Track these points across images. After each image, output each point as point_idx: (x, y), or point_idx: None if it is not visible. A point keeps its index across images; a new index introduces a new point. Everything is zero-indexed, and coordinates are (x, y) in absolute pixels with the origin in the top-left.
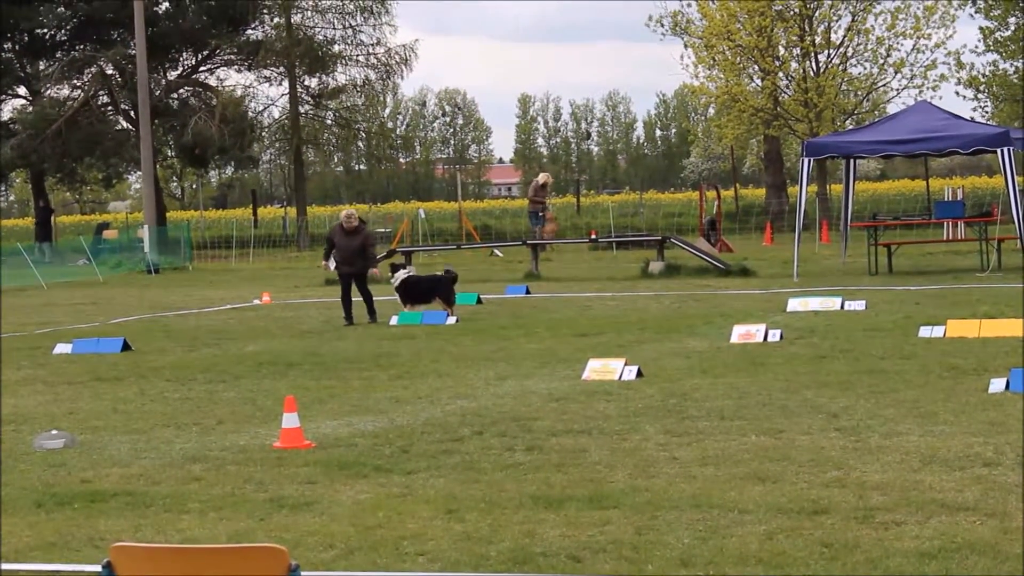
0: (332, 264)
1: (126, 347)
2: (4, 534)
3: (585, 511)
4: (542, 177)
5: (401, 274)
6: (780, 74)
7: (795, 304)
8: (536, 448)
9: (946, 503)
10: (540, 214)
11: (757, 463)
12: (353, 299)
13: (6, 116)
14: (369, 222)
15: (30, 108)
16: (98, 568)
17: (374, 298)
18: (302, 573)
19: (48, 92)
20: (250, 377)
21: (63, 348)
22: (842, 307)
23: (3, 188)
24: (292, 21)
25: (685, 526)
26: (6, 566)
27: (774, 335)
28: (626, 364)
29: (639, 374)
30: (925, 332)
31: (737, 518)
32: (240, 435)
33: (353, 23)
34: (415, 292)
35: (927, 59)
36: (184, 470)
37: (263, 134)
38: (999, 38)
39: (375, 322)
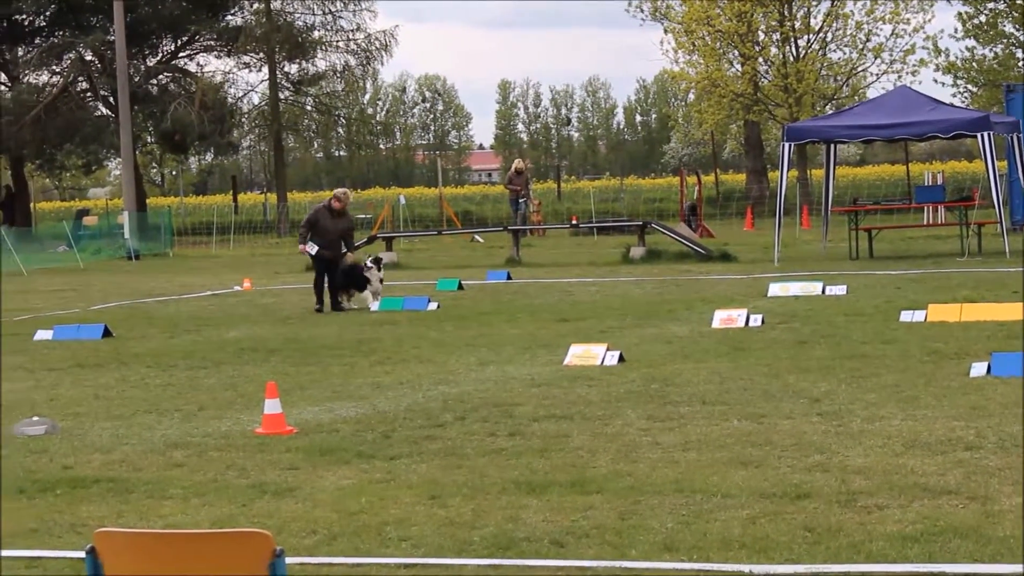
0: (313, 248)
1: (107, 333)
2: None
3: (568, 496)
4: (517, 163)
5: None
6: (760, 59)
7: (776, 289)
8: (518, 433)
9: (928, 487)
10: (521, 200)
11: (739, 448)
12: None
13: None
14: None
15: (8, 94)
16: (81, 554)
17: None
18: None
19: (27, 78)
20: (231, 363)
21: (44, 334)
22: (823, 292)
23: None
24: (272, 7)
25: (668, 511)
26: None
27: (755, 320)
28: (608, 349)
29: (621, 359)
30: (906, 316)
31: (720, 503)
32: (222, 421)
33: (333, 9)
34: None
35: (906, 44)
36: (166, 456)
37: (243, 120)
38: (977, 23)
39: (342, 311)
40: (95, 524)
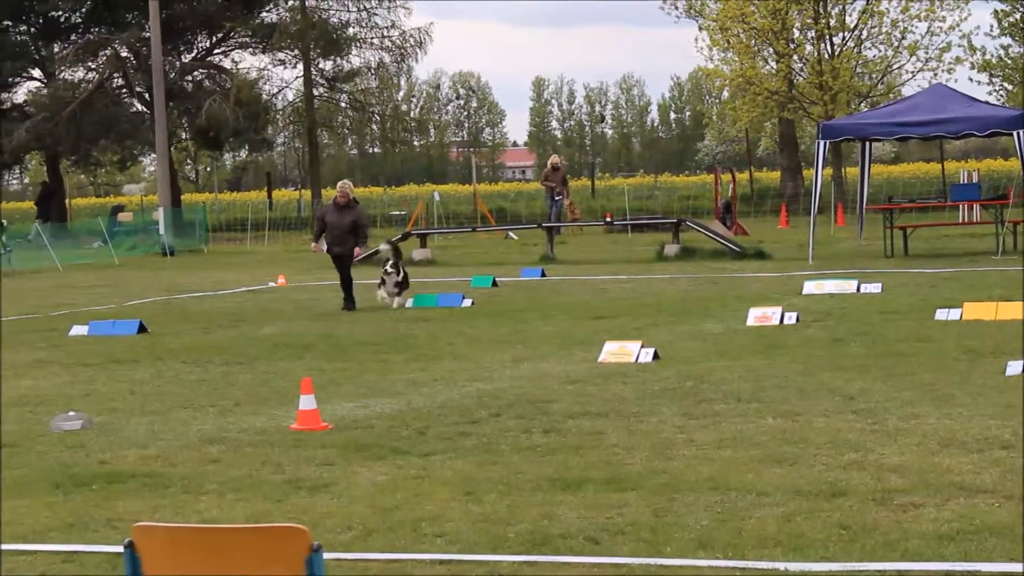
0: (324, 246)
1: (142, 329)
2: (23, 515)
3: (603, 493)
4: (553, 160)
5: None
6: (795, 57)
7: (811, 287)
8: (553, 430)
9: (964, 485)
10: (557, 197)
11: (774, 445)
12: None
13: (21, 99)
14: (384, 205)
15: (45, 91)
16: (118, 549)
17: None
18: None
19: (63, 75)
20: (266, 359)
21: (79, 330)
22: (858, 290)
23: (18, 171)
24: (307, 3)
25: (703, 508)
26: (26, 546)
27: (790, 318)
28: (642, 347)
29: (656, 356)
30: (941, 315)
31: (755, 500)
32: (257, 417)
33: (368, 6)
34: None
35: (941, 41)
36: (201, 452)
37: (277, 117)
38: (1012, 21)
39: (352, 310)
40: (131, 519)
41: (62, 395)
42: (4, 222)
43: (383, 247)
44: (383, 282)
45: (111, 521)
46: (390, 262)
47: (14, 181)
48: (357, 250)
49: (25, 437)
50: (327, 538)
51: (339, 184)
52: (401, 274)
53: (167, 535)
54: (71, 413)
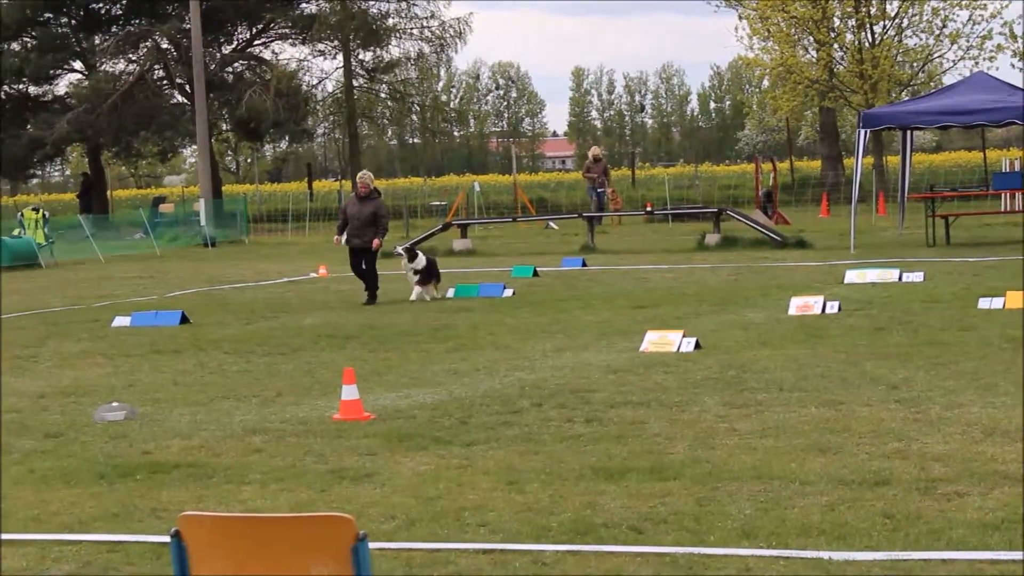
0: (343, 238)
1: (184, 320)
2: (68, 505)
3: (646, 482)
4: (593, 151)
5: (421, 258)
6: (835, 45)
7: (853, 276)
8: (595, 420)
9: (1008, 474)
10: (599, 189)
11: (817, 435)
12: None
13: (62, 91)
14: (424, 195)
15: (86, 83)
16: (162, 538)
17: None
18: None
19: (103, 66)
20: (308, 349)
21: (122, 321)
22: (900, 279)
23: (60, 163)
24: None
25: (746, 497)
26: (71, 536)
27: (832, 307)
28: (684, 336)
29: (697, 346)
30: (984, 304)
31: (798, 489)
32: (300, 407)
33: None
34: (432, 272)
35: (983, 30)
36: (244, 442)
37: (317, 108)
38: None
39: (374, 303)
40: (175, 509)
41: (105, 386)
42: (46, 214)
43: (398, 250)
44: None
45: (155, 511)
46: (409, 267)
47: (55, 173)
48: (376, 242)
49: (70, 427)
50: (370, 527)
51: (359, 175)
52: (423, 263)
53: (213, 524)
54: (114, 404)
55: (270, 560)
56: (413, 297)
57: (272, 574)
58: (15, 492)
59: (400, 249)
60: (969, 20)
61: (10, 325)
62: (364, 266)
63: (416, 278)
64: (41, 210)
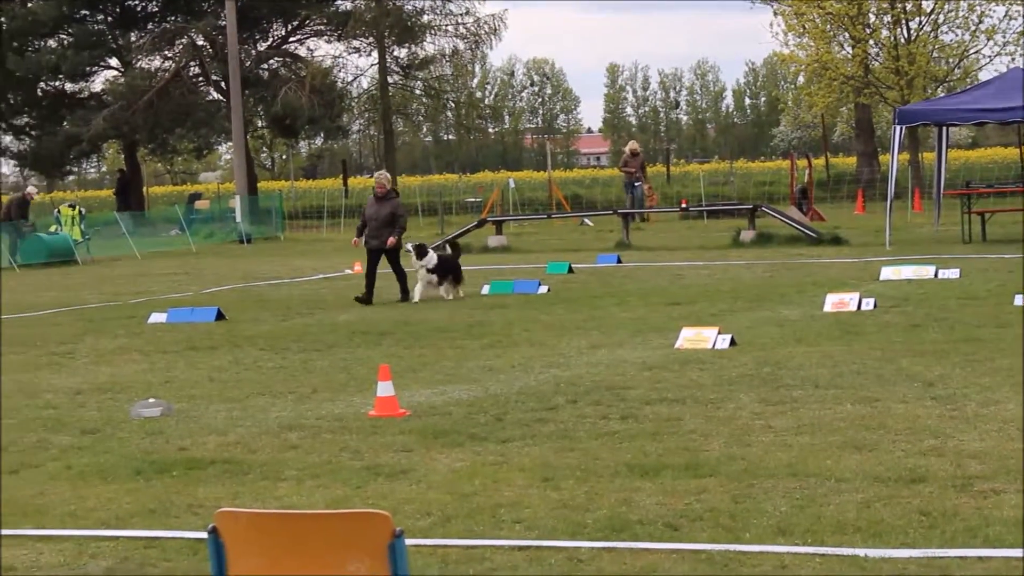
0: (361, 239)
1: (220, 316)
2: (105, 501)
3: (681, 479)
4: (631, 145)
5: (432, 256)
6: (871, 42)
7: (888, 272)
8: (631, 416)
9: None
10: (636, 183)
11: (853, 431)
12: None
13: (98, 87)
14: (459, 192)
15: (122, 79)
16: (199, 534)
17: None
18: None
19: (139, 63)
20: (344, 346)
21: (158, 317)
22: (936, 275)
23: (96, 159)
24: None
25: (782, 494)
26: (109, 532)
27: (868, 304)
28: (719, 333)
29: (732, 343)
30: (1020, 300)
31: (834, 486)
32: (335, 403)
33: None
34: (447, 270)
35: (1019, 25)
36: (280, 438)
37: (352, 104)
38: None
39: (407, 301)
40: (212, 505)
41: (142, 382)
42: (83, 210)
43: (408, 247)
44: (439, 282)
45: (191, 507)
46: (419, 264)
47: (91, 169)
48: (391, 240)
49: (106, 423)
50: (406, 524)
51: (376, 174)
52: (434, 261)
53: (250, 521)
54: (151, 400)
55: (306, 556)
56: (416, 297)
57: (309, 570)
58: (52, 488)
59: (409, 246)
60: (1006, 16)
61: (47, 321)
62: (390, 266)
63: (429, 277)
64: (77, 207)
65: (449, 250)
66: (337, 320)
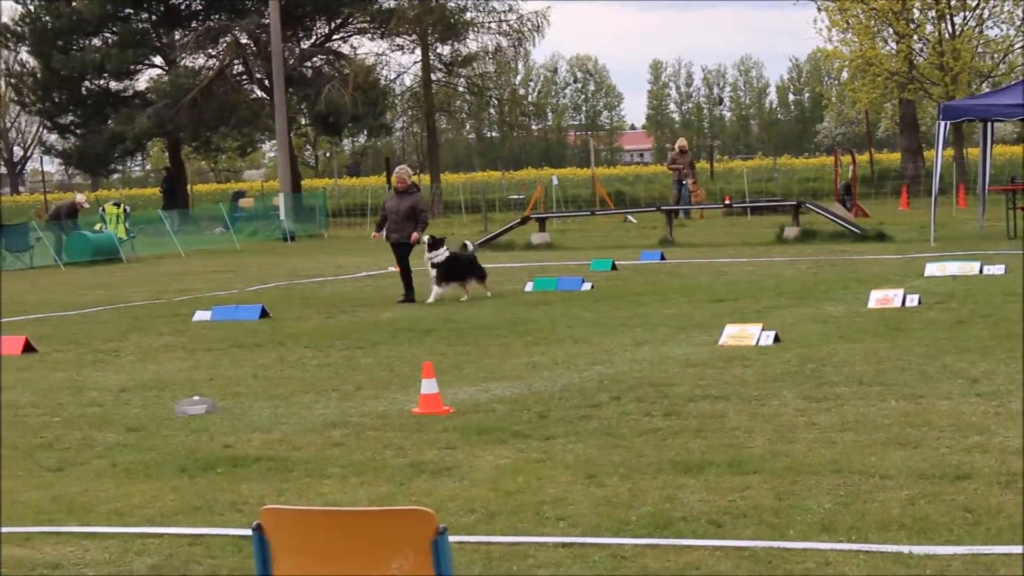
0: (381, 234)
1: (264, 314)
2: (150, 498)
3: (725, 476)
4: (680, 142)
5: (443, 251)
6: (915, 37)
7: (933, 269)
8: (674, 414)
9: None
10: (684, 181)
11: (897, 428)
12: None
13: (142, 86)
14: (502, 189)
15: (166, 78)
16: (243, 531)
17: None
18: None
19: (183, 62)
20: (387, 343)
21: (202, 315)
22: (981, 272)
23: (140, 157)
24: None
25: (826, 491)
26: (154, 529)
27: (912, 300)
28: (763, 329)
29: (776, 339)
30: None
31: (878, 483)
32: (379, 401)
33: None
34: (455, 270)
35: None
36: (324, 435)
37: (396, 102)
38: None
39: (411, 302)
40: (256, 502)
41: (187, 380)
42: (127, 208)
43: (425, 239)
44: (438, 282)
45: (236, 504)
46: (428, 256)
47: (136, 168)
48: (414, 235)
49: (151, 421)
50: (450, 521)
51: (397, 169)
52: (443, 257)
53: (295, 518)
54: (195, 397)
55: (351, 553)
56: (431, 299)
57: (352, 567)
58: (98, 485)
59: (426, 237)
60: None
61: (92, 319)
62: (399, 259)
63: (435, 272)
64: (122, 205)
65: (471, 248)
66: (381, 317)
